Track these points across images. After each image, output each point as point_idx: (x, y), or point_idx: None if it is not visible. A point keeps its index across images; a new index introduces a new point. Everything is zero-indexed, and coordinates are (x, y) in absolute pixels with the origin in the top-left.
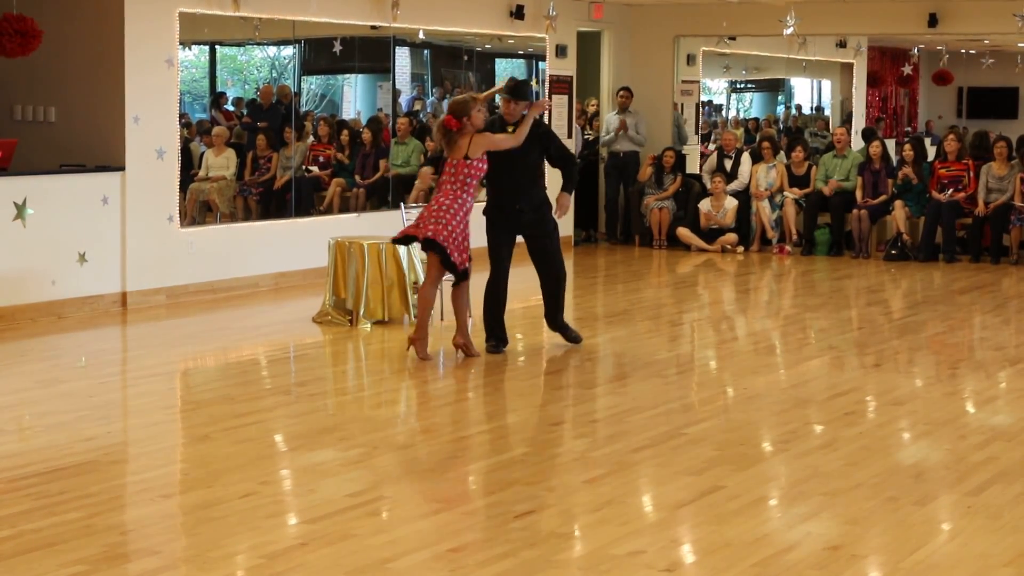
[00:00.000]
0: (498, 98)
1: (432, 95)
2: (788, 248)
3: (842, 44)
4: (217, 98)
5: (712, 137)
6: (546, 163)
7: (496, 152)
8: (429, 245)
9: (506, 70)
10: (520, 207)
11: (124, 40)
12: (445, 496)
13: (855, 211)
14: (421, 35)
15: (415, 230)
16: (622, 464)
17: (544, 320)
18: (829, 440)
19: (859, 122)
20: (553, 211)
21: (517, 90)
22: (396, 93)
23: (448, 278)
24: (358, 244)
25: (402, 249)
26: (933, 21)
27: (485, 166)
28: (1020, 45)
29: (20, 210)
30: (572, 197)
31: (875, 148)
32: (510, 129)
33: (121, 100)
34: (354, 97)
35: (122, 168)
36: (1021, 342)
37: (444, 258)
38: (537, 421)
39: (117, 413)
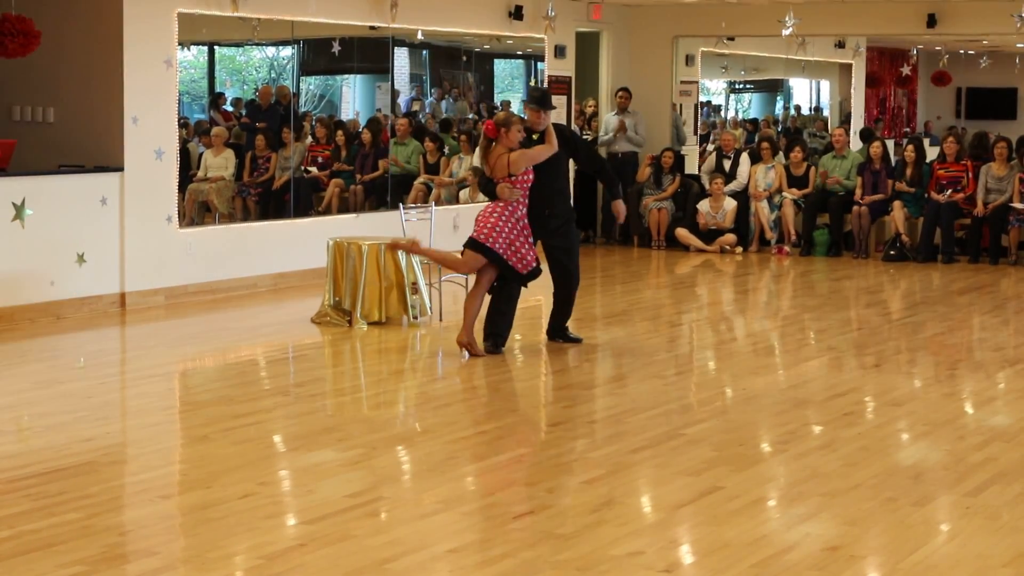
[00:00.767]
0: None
1: (431, 95)
2: (787, 249)
3: (841, 45)
4: (216, 98)
5: (711, 138)
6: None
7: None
8: (474, 245)
9: (505, 70)
10: (549, 212)
11: (123, 40)
12: (445, 496)
13: (855, 208)
14: (420, 35)
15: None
16: (621, 465)
17: (546, 328)
18: (828, 441)
19: (858, 123)
20: (618, 220)
21: (543, 99)
22: (395, 94)
23: (453, 278)
24: (356, 245)
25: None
26: (932, 22)
27: (531, 177)
28: (1019, 46)
29: (19, 211)
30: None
31: (875, 148)
32: (535, 138)
33: (120, 101)
34: (353, 98)
35: (121, 169)
36: (1020, 343)
37: (496, 260)
38: (537, 421)
39: (116, 414)
